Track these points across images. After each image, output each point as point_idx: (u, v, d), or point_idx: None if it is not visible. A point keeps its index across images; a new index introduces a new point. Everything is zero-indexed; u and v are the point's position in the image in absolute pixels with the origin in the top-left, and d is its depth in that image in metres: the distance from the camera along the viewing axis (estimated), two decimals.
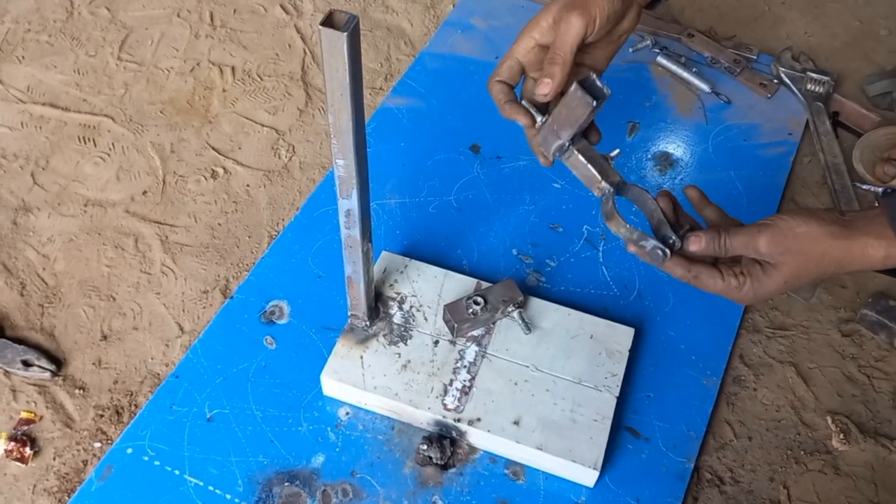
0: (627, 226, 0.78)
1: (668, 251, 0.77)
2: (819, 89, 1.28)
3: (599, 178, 0.78)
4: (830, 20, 1.46)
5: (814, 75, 1.29)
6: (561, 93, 0.78)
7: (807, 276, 0.76)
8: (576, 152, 0.79)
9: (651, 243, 0.77)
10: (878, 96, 1.30)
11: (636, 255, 0.79)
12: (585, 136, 0.80)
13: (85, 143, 1.22)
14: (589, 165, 0.78)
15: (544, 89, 0.78)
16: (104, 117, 1.26)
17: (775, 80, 1.31)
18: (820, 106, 1.27)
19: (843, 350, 1.04)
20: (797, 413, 0.98)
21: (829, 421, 0.97)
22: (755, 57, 1.34)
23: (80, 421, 0.95)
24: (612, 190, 0.78)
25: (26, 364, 0.98)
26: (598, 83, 0.73)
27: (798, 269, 0.75)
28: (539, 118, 0.80)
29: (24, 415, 0.94)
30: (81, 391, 0.98)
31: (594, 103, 0.72)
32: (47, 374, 0.98)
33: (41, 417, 0.95)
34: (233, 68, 1.33)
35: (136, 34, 1.38)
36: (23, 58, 1.34)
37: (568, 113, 0.75)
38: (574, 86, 0.73)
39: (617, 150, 0.80)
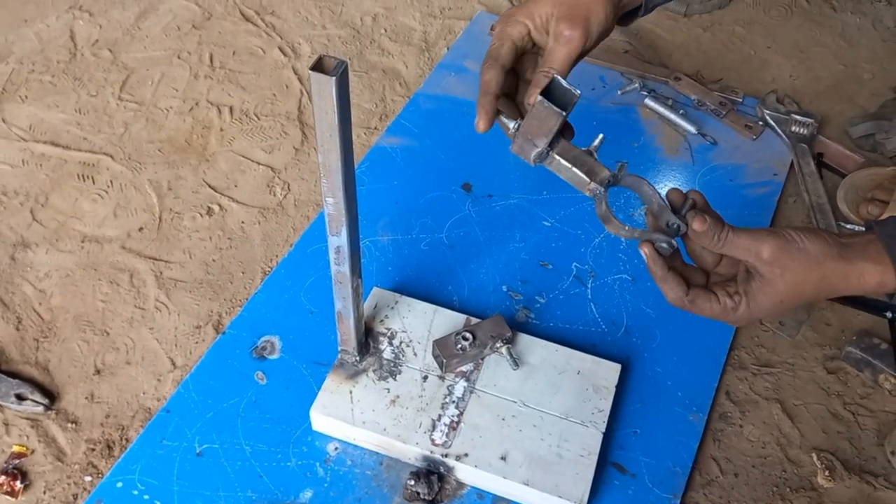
0: (626, 227, 0.74)
1: (674, 243, 0.73)
2: (803, 131, 1.31)
3: (587, 178, 0.74)
4: (815, 64, 1.50)
5: (798, 117, 1.32)
6: None
7: (802, 297, 0.73)
8: (556, 157, 0.75)
9: (655, 237, 0.73)
10: (862, 138, 1.33)
11: (645, 255, 0.75)
12: (561, 134, 0.76)
13: (84, 180, 1.25)
14: (573, 168, 0.74)
15: (534, 99, 0.74)
16: (103, 155, 1.28)
17: (760, 122, 1.34)
18: (804, 147, 1.30)
19: (829, 387, 1.05)
20: (783, 450, 0.99)
21: (815, 458, 0.98)
22: (741, 100, 1.37)
23: (72, 455, 0.96)
24: (602, 190, 0.74)
25: (20, 398, 0.99)
26: (564, 85, 0.71)
27: (795, 289, 0.72)
28: (511, 124, 0.77)
29: (15, 448, 0.95)
30: (74, 425, 0.98)
31: (563, 114, 0.70)
32: (40, 408, 0.98)
33: (33, 451, 0.96)
34: (231, 108, 1.37)
35: (137, 75, 1.41)
36: (26, 97, 1.37)
37: (539, 124, 0.72)
38: (539, 99, 0.70)
39: (600, 136, 0.76)
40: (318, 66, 0.65)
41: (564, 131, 0.77)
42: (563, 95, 0.71)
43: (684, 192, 0.75)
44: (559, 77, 0.71)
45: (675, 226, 0.73)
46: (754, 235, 0.71)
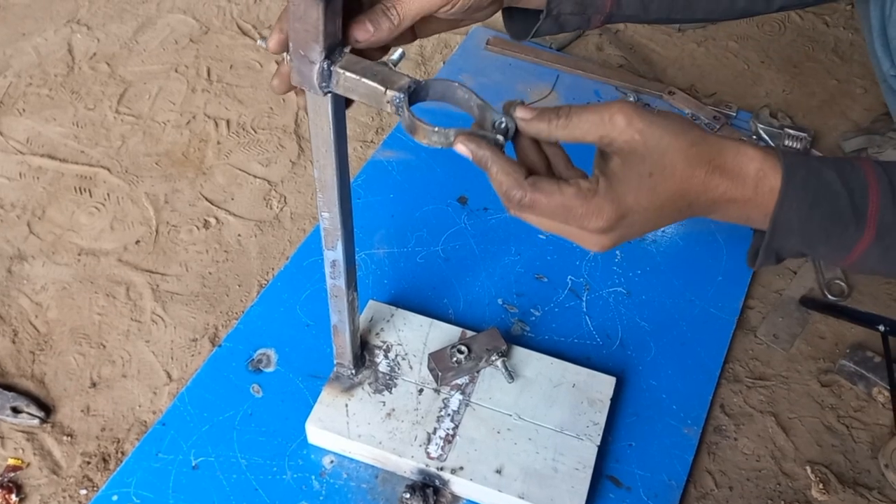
0: (437, 128, 0.61)
1: (500, 140, 0.61)
2: (797, 145, 1.32)
3: (383, 89, 0.61)
4: (808, 79, 1.51)
5: (791, 131, 1.33)
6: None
7: (672, 173, 0.58)
8: (341, 71, 0.62)
9: (480, 133, 0.61)
10: (854, 152, 1.34)
11: (471, 149, 0.60)
12: (346, 42, 0.64)
13: (81, 193, 1.25)
14: (363, 79, 0.61)
15: (361, 34, 0.63)
16: (101, 168, 1.29)
17: (754, 136, 1.35)
18: None
19: (823, 400, 1.05)
20: (777, 463, 0.99)
21: (809, 471, 0.98)
22: (734, 114, 1.39)
23: (67, 468, 0.96)
24: (402, 96, 0.61)
25: (15, 411, 0.99)
26: None
27: (662, 158, 0.58)
28: (285, 55, 0.63)
29: (10, 461, 0.95)
30: (69, 438, 0.98)
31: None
32: (36, 421, 0.98)
33: (28, 464, 0.96)
34: (228, 121, 1.37)
35: (135, 88, 1.42)
36: (23, 110, 1.37)
37: (301, 26, 0.59)
38: None
39: (400, 50, 0.65)
40: None
41: (355, 31, 0.63)
42: None
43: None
44: None
45: (501, 125, 0.61)
46: (603, 105, 0.59)
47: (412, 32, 0.71)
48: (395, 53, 0.65)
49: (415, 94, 0.62)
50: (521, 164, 0.62)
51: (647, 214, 0.60)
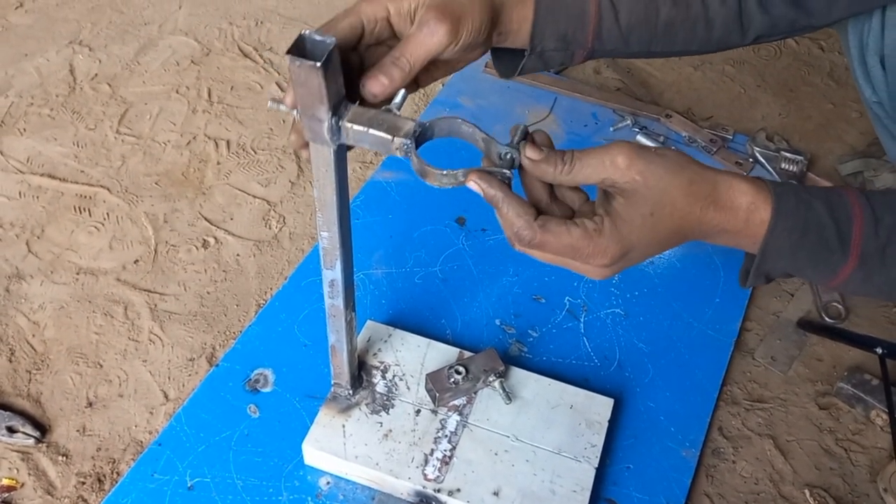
0: (446, 171, 0.65)
1: (508, 174, 0.64)
2: (793, 168, 1.33)
3: (390, 137, 0.64)
4: (804, 102, 1.52)
5: (788, 155, 1.34)
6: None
7: (672, 210, 0.63)
8: (349, 124, 0.65)
9: (486, 170, 0.64)
10: (850, 175, 1.35)
11: (482, 188, 0.64)
12: (363, 99, 0.67)
13: (80, 212, 1.26)
14: (370, 130, 0.65)
15: (376, 87, 0.66)
16: (100, 188, 1.29)
17: (751, 159, 1.36)
18: None
19: (821, 423, 1.05)
20: (776, 486, 0.99)
21: (807, 494, 0.98)
22: (731, 137, 1.40)
23: (62, 488, 0.95)
24: (409, 142, 0.64)
25: (11, 430, 0.98)
26: (315, 37, 0.59)
27: (662, 198, 0.62)
28: (294, 113, 0.66)
29: (5, 481, 0.95)
30: (64, 458, 0.98)
31: (319, 64, 0.58)
32: (31, 441, 0.98)
33: (23, 484, 0.95)
34: (228, 142, 1.38)
35: (136, 109, 1.43)
36: (24, 130, 1.38)
37: (305, 91, 0.62)
38: (288, 58, 0.59)
39: (402, 92, 0.67)
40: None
41: (367, 83, 0.67)
42: (316, 50, 0.59)
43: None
44: (305, 30, 0.60)
45: (507, 156, 0.64)
46: (604, 148, 0.63)
47: (415, 82, 0.75)
48: (398, 97, 0.67)
49: (421, 136, 0.65)
50: (529, 199, 0.66)
51: (647, 248, 0.65)
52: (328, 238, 0.78)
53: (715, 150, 1.37)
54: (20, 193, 1.28)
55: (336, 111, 0.64)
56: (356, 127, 0.65)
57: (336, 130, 0.66)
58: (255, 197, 1.29)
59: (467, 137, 0.67)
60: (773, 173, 1.33)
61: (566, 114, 1.43)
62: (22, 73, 1.49)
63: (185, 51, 1.55)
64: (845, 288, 0.68)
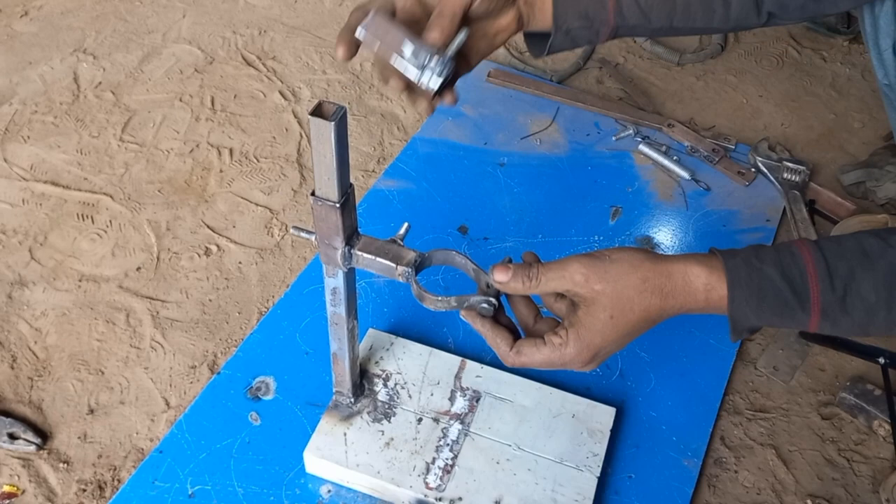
0: (441, 297, 0.74)
1: (494, 301, 0.74)
2: (795, 178, 1.33)
3: (394, 265, 0.76)
4: (806, 112, 1.52)
5: (790, 164, 1.34)
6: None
7: (631, 309, 0.70)
8: (359, 253, 0.77)
9: (474, 299, 0.74)
10: (852, 185, 1.35)
11: (470, 321, 0.75)
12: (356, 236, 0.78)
13: (83, 220, 1.26)
14: (377, 259, 0.76)
15: (435, 34, 0.73)
16: (103, 195, 1.30)
17: (753, 169, 1.36)
18: (796, 194, 1.31)
19: (823, 433, 1.05)
20: (778, 496, 0.99)
21: None
22: (733, 147, 1.40)
23: (63, 495, 0.95)
24: (410, 270, 0.75)
25: (12, 437, 0.98)
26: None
27: (619, 299, 0.69)
28: (312, 237, 0.78)
29: (6, 488, 0.94)
30: (65, 465, 0.98)
31: (338, 204, 0.71)
32: (32, 448, 0.98)
33: (23, 491, 0.95)
34: (231, 150, 1.38)
35: (139, 117, 1.44)
36: (28, 137, 1.39)
37: (325, 224, 0.74)
38: (311, 199, 0.71)
39: (406, 225, 0.79)
40: (318, 112, 0.66)
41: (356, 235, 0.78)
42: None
43: (522, 257, 0.75)
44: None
45: (493, 286, 0.74)
46: (561, 262, 0.71)
47: (466, 62, 0.83)
48: (402, 229, 0.78)
49: (420, 265, 0.76)
50: (518, 320, 0.77)
51: (616, 343, 0.72)
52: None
53: (717, 159, 1.37)
54: (23, 200, 1.28)
55: (349, 241, 0.76)
56: (365, 255, 0.76)
57: (348, 257, 0.77)
58: (257, 205, 1.30)
59: (461, 267, 0.77)
60: (776, 182, 1.33)
61: (569, 123, 1.43)
62: (26, 81, 1.49)
63: (189, 59, 1.56)
64: (821, 332, 0.72)
